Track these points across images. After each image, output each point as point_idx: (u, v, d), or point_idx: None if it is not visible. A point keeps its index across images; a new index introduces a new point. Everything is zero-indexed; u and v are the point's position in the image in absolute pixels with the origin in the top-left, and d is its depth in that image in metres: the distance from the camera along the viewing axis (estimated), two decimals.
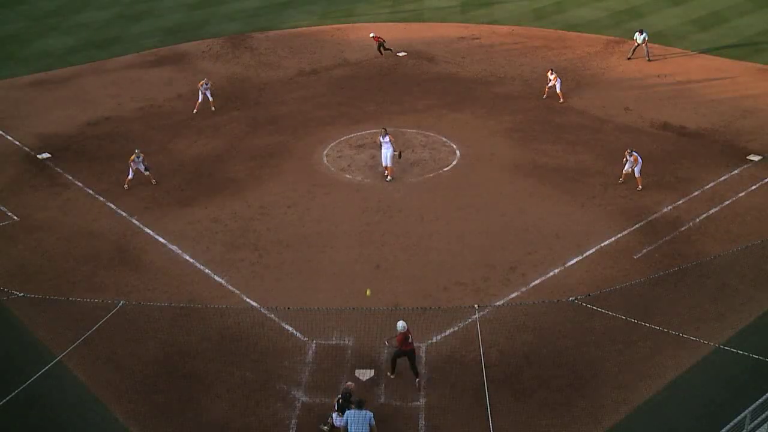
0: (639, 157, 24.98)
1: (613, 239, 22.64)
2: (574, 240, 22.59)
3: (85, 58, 39.40)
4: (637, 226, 23.30)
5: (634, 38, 37.26)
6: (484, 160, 27.65)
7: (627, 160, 25.11)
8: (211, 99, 32.36)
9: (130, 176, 25.99)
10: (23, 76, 36.90)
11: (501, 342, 18.39)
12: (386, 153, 25.91)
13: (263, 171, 27.24)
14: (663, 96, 33.04)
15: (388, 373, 17.44)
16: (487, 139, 29.24)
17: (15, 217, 24.54)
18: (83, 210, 25.00)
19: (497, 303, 19.67)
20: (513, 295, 20.07)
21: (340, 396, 15.84)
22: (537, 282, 20.70)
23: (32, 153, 28.91)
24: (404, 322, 17.07)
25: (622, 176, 25.56)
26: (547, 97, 32.62)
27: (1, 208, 25.07)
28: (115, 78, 36.58)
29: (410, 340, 16.98)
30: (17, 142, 29.82)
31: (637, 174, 25.09)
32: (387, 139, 25.84)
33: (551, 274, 21.06)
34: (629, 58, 37.08)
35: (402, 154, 26.50)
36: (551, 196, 25.11)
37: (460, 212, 24.24)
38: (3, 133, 30.58)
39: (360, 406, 15.18)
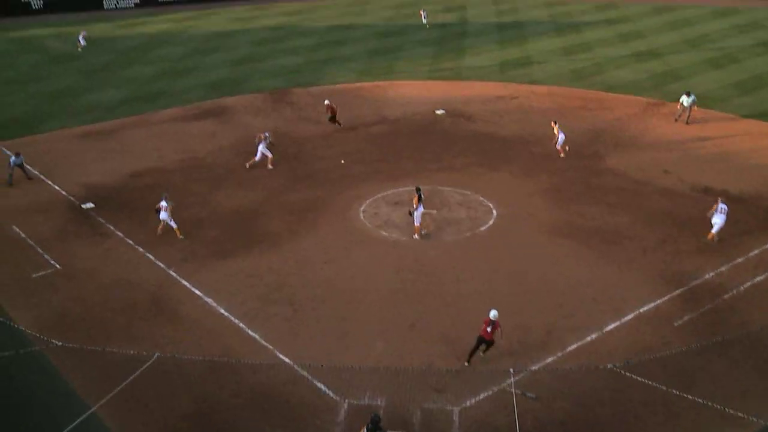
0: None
1: (652, 305, 22.23)
2: (612, 304, 22.23)
3: (132, 110, 40.46)
4: (677, 291, 22.87)
5: (680, 101, 36.91)
6: (522, 220, 27.54)
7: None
8: (270, 156, 32.16)
9: (162, 223, 26.56)
10: (73, 127, 37.95)
11: (536, 408, 18.02)
12: (419, 211, 25.94)
13: (300, 225, 27.43)
14: (704, 159, 32.76)
15: (465, 363, 19.25)
16: (525, 199, 29.16)
17: (57, 266, 24.96)
18: (123, 260, 25.35)
19: (533, 367, 19.35)
20: (549, 360, 19.73)
21: (369, 422, 15.74)
22: (574, 347, 20.34)
23: (77, 202, 29.53)
24: (497, 312, 19.34)
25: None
26: (562, 154, 32.94)
27: (45, 256, 25.54)
28: (159, 130, 37.43)
29: (490, 330, 19.10)
30: (63, 192, 30.51)
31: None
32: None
33: (589, 339, 20.70)
34: (676, 120, 36.80)
35: (412, 212, 26.03)
36: (589, 258, 24.85)
37: (496, 273, 24.06)
38: (51, 183, 31.34)
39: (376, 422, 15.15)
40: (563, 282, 23.42)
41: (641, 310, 21.95)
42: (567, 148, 33.03)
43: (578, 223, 27.18)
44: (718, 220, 25.38)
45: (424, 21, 57.46)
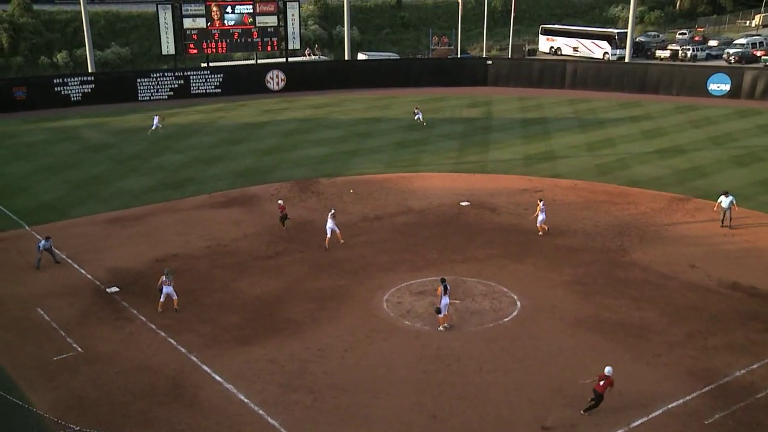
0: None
1: (681, 401, 21.76)
2: (638, 399, 21.79)
3: (160, 197, 41.36)
4: (707, 389, 22.40)
5: (719, 202, 36.02)
6: (545, 312, 27.38)
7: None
8: (338, 231, 33.89)
9: (162, 299, 27.38)
10: (102, 213, 38.81)
11: None
12: (444, 303, 25.92)
13: (322, 313, 27.47)
14: (731, 255, 32.59)
15: (582, 412, 21.06)
16: (549, 291, 29.05)
17: (79, 349, 25.11)
18: (144, 344, 25.46)
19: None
20: None
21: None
22: None
23: (102, 286, 29.91)
24: (611, 368, 21.12)
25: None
26: (541, 233, 34.77)
27: (67, 339, 25.74)
28: (185, 217, 38.12)
29: (603, 384, 20.84)
30: (89, 276, 30.95)
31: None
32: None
33: None
34: (722, 225, 35.56)
35: (439, 309, 25.91)
36: (614, 352, 24.52)
37: (519, 364, 23.80)
38: (78, 267, 31.85)
39: None
40: (587, 375, 23.01)
41: (669, 406, 21.48)
42: (546, 228, 34.89)
43: (603, 316, 26.95)
44: None
45: (420, 119, 58.27)
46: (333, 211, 34.56)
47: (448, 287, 26.04)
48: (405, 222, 37.17)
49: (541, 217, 34.63)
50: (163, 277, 27.57)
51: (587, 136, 54.03)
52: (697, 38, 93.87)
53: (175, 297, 27.67)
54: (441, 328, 25.89)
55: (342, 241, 33.85)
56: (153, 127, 56.24)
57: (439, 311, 25.80)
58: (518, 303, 28.08)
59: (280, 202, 36.93)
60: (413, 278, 30.31)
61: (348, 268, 31.48)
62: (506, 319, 26.86)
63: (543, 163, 47.27)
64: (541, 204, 34.94)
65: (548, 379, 22.87)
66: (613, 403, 21.52)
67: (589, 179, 43.70)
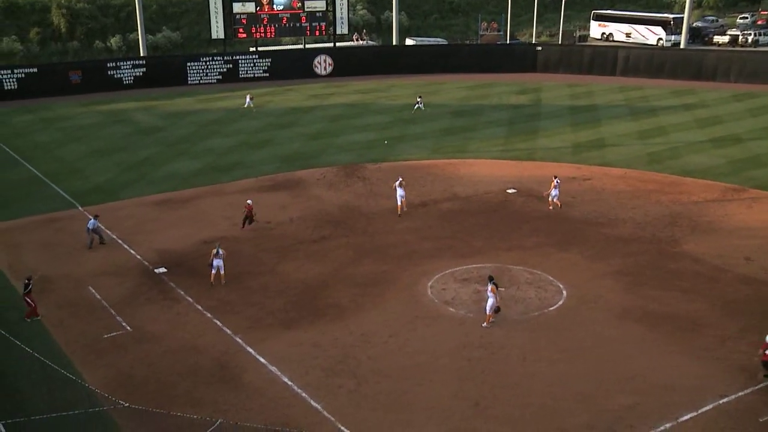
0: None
1: (733, 397, 21.30)
2: (687, 394, 21.40)
3: (208, 180, 41.91)
4: (762, 385, 21.85)
5: None
6: (591, 302, 27.06)
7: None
8: (404, 200, 35.78)
9: (213, 271, 28.47)
10: (151, 195, 39.53)
11: None
12: (491, 302, 25.29)
13: (366, 299, 27.57)
14: None
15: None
16: (595, 281, 28.69)
17: (128, 328, 25.65)
18: (190, 325, 25.88)
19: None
20: None
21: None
22: None
23: (150, 267, 30.48)
24: None
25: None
26: (552, 207, 36.14)
27: (117, 318, 26.32)
28: (232, 200, 38.55)
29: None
30: (138, 256, 31.57)
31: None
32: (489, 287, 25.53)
33: (662, 428, 19.92)
34: None
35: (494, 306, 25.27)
36: (662, 344, 24.11)
37: (563, 354, 23.58)
38: (127, 248, 32.51)
39: None
40: (634, 367, 22.74)
41: (721, 402, 21.05)
42: (559, 204, 36.16)
43: (651, 308, 26.52)
44: None
45: (421, 107, 57.85)
46: (401, 179, 36.20)
47: (498, 286, 25.40)
48: (450, 209, 37.04)
49: (554, 192, 36.17)
50: (215, 251, 28.50)
51: (638, 124, 53.06)
52: (760, 21, 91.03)
53: (222, 271, 28.57)
54: (485, 324, 25.26)
55: (405, 209, 35.78)
56: (246, 105, 59.19)
57: (498, 310, 25.17)
58: (564, 292, 27.80)
59: (248, 201, 34.49)
60: (458, 265, 30.21)
61: (393, 254, 31.52)
62: (551, 309, 26.63)
63: (592, 151, 46.60)
64: (555, 180, 36.39)
65: (593, 371, 22.61)
66: (661, 397, 21.20)
67: (639, 168, 42.95)
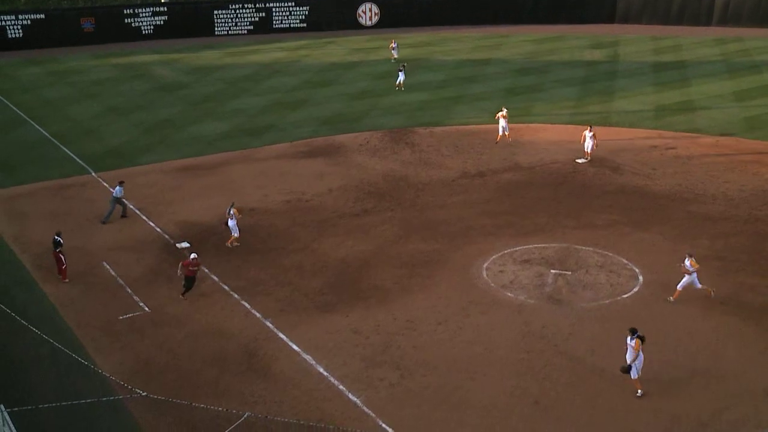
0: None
1: None
2: None
3: (237, 145, 42.38)
4: None
5: None
6: (673, 289, 26.74)
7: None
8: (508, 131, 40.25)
9: (234, 234, 30.06)
10: (173, 160, 40.19)
11: None
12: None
13: (413, 281, 27.71)
14: None
15: None
16: (678, 266, 28.32)
17: (146, 308, 26.24)
18: (216, 307, 26.35)
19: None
20: None
21: None
22: None
23: (172, 241, 31.06)
24: None
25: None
26: (582, 159, 38.37)
27: (134, 297, 26.93)
28: (264, 168, 38.96)
29: None
30: (158, 229, 32.19)
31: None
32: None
33: None
34: None
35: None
36: (758, 341, 23.77)
37: None
38: (146, 219, 33.16)
39: None
40: (723, 366, 22.49)
41: None
42: (589, 157, 38.35)
43: (745, 298, 26.14)
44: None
45: (395, 54, 57.29)
46: (505, 110, 40.02)
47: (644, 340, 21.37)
48: (511, 180, 36.89)
49: (589, 143, 38.36)
50: (229, 210, 30.05)
51: (736, 83, 51.96)
52: None
53: (234, 234, 29.94)
54: (639, 392, 21.37)
55: (510, 140, 39.90)
56: (393, 58, 58.75)
57: (628, 370, 21.12)
58: (640, 278, 27.56)
59: (193, 256, 26.53)
60: (518, 245, 30.14)
61: (444, 231, 31.56)
62: (625, 296, 26.44)
63: (678, 115, 45.83)
64: (589, 129, 38.57)
65: (672, 369, 22.41)
66: (756, 403, 20.95)
67: (735, 135, 42.15)
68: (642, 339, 21.01)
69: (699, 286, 25.59)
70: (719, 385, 21.73)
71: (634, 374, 21.08)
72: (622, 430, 19.98)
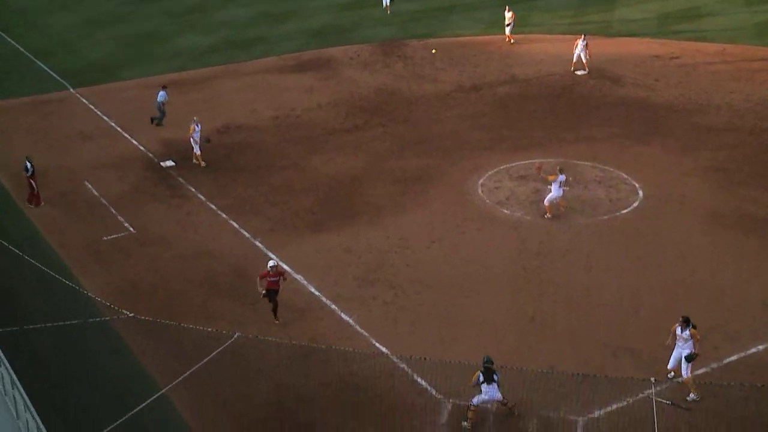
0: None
1: None
2: None
3: (223, 58, 41.75)
4: None
5: None
6: (674, 203, 26.76)
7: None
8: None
9: (196, 151, 29.72)
10: (155, 75, 39.54)
11: (682, 429, 17.55)
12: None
13: (407, 198, 27.63)
14: None
15: None
16: (679, 179, 28.31)
17: (131, 229, 26.16)
18: (203, 226, 26.29)
19: (679, 379, 18.83)
20: (700, 372, 19.13)
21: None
22: (733, 359, 19.64)
23: (156, 160, 30.82)
24: None
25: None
26: (574, 70, 38.03)
27: (118, 218, 26.82)
28: (252, 82, 38.47)
29: None
30: (142, 147, 31.90)
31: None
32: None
33: (753, 350, 19.92)
34: None
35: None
36: (759, 254, 23.86)
37: (637, 264, 23.51)
38: (128, 137, 32.85)
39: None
40: (723, 280, 22.61)
41: None
42: (587, 68, 38.17)
43: (748, 211, 26.15)
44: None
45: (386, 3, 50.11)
46: (511, 13, 40.65)
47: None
48: (507, 93, 36.53)
49: (580, 52, 38.17)
50: (194, 125, 29.57)
51: None
52: None
53: (197, 151, 29.69)
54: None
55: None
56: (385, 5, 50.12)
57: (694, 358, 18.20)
58: (640, 192, 27.51)
59: (271, 263, 21.43)
60: (514, 160, 30.00)
61: (438, 146, 31.36)
62: (625, 211, 26.42)
63: (683, 22, 45.17)
64: (582, 38, 38.34)
65: (672, 283, 22.53)
66: (756, 315, 21.11)
67: (743, 42, 41.63)
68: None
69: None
70: (719, 298, 21.88)
71: (685, 373, 18.36)
72: (620, 347, 20.13)
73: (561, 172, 25.61)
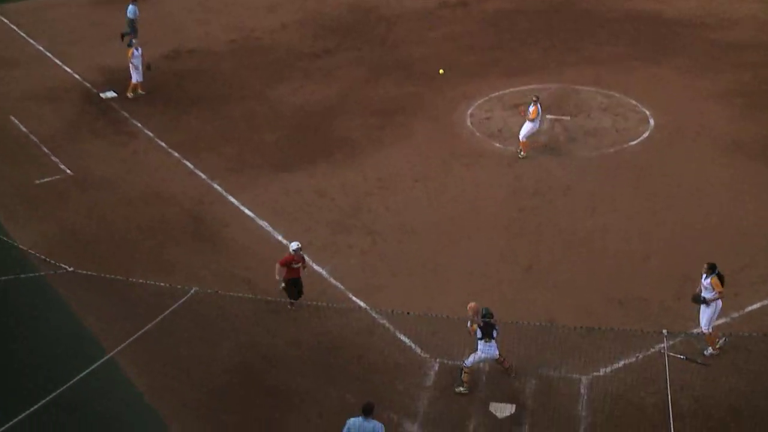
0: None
1: None
2: None
3: None
4: None
5: None
6: (689, 133, 26.89)
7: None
8: None
9: (134, 80, 29.53)
10: None
11: (698, 385, 17.78)
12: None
13: (386, 131, 27.59)
14: None
15: None
16: (695, 105, 28.46)
17: (68, 171, 25.97)
18: (152, 167, 26.14)
19: (695, 330, 19.06)
20: (718, 322, 19.36)
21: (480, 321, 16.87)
22: (755, 307, 19.91)
23: (94, 90, 30.52)
24: None
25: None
26: None
27: (52, 158, 26.60)
28: (205, 0, 38.01)
29: None
30: (77, 76, 31.55)
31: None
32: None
33: None
34: None
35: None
36: None
37: (648, 203, 23.67)
38: (61, 64, 32.45)
39: (368, 412, 14.77)
40: (745, 220, 22.82)
41: None
42: None
43: None
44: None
45: None
46: None
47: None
48: (499, 9, 36.47)
49: None
50: (132, 49, 29.31)
51: None
52: None
53: (135, 80, 29.54)
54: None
55: None
56: None
57: (702, 301, 18.28)
58: (651, 121, 27.62)
59: (294, 246, 20.07)
60: (507, 86, 30.06)
61: (421, 71, 31.28)
62: (634, 143, 26.54)
63: None
64: None
65: (687, 224, 22.71)
66: None
67: None
68: (722, 279, 18.22)
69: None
70: (740, 240, 22.08)
71: (705, 326, 18.47)
72: (628, 296, 20.32)
73: (537, 101, 25.31)
